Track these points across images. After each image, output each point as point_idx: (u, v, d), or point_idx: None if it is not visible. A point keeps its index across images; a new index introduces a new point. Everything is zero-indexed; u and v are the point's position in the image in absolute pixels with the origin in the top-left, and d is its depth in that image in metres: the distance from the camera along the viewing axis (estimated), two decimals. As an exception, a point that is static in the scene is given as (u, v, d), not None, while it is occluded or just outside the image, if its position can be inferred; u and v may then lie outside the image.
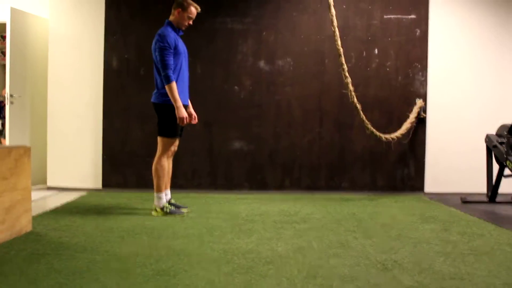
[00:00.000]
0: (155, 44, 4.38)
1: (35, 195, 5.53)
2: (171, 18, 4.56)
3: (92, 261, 2.93)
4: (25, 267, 2.79)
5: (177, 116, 4.33)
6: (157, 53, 4.34)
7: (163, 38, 4.34)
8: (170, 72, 4.30)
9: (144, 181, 6.02)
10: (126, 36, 6.04)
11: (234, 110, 6.10)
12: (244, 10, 6.08)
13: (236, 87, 6.09)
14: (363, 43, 6.12)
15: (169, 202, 4.62)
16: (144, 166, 6.02)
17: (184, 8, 4.51)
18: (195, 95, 5.96)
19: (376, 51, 6.11)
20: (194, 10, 4.56)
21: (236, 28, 6.08)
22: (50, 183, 6.10)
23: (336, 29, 5.17)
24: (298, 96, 6.11)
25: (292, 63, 6.10)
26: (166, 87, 4.30)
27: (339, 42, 5.21)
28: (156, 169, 4.50)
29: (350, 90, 5.35)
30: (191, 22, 4.60)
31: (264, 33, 6.09)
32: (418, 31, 6.14)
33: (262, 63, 6.09)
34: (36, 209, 4.60)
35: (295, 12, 6.10)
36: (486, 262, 3.06)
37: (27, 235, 3.60)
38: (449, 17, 6.20)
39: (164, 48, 4.31)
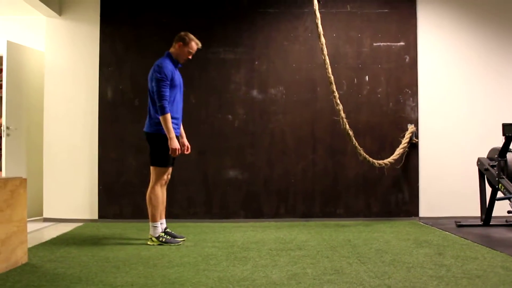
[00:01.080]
0: (152, 74, 4.46)
1: (31, 226, 5.53)
2: (172, 50, 4.64)
3: (87, 291, 2.94)
4: (20, 299, 2.80)
5: (170, 147, 4.38)
6: (153, 83, 4.42)
7: (160, 69, 4.42)
8: (166, 103, 4.37)
9: (139, 211, 6.04)
10: (120, 68, 6.13)
11: (228, 138, 6.16)
12: (236, 40, 6.19)
13: (229, 116, 6.16)
14: (354, 71, 6.22)
15: (165, 231, 4.64)
16: (140, 197, 6.04)
17: (186, 43, 4.61)
18: (189, 124, 6.03)
19: (367, 78, 6.21)
20: (195, 45, 4.67)
21: (228, 58, 6.18)
22: (46, 214, 6.11)
23: (327, 57, 5.26)
24: (291, 124, 6.18)
25: (284, 91, 6.18)
26: (161, 117, 4.37)
27: (329, 70, 5.31)
28: (150, 199, 4.53)
29: (342, 117, 5.42)
30: (190, 57, 4.70)
31: (256, 63, 6.19)
32: (408, 57, 6.25)
33: (255, 92, 6.18)
34: (32, 241, 4.60)
35: (286, 42, 6.21)
36: (479, 285, 3.09)
37: (23, 266, 3.61)
38: (438, 43, 6.32)
39: (161, 80, 4.39)
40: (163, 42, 6.11)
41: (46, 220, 6.09)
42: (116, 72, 6.13)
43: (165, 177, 4.61)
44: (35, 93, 6.40)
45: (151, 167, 4.54)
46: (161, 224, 4.62)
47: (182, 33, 4.63)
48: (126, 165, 6.11)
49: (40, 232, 5.33)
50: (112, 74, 6.13)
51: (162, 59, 4.56)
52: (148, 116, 4.56)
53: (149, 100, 4.55)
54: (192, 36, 4.64)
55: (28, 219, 5.22)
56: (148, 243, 4.55)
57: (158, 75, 4.40)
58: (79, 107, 6.15)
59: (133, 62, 6.13)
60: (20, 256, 3.68)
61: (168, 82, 4.44)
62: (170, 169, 4.66)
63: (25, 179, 3.82)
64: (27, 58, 6.35)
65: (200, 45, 4.71)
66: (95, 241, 4.69)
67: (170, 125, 4.38)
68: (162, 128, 4.40)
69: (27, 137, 6.34)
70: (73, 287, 3.04)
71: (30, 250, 4.09)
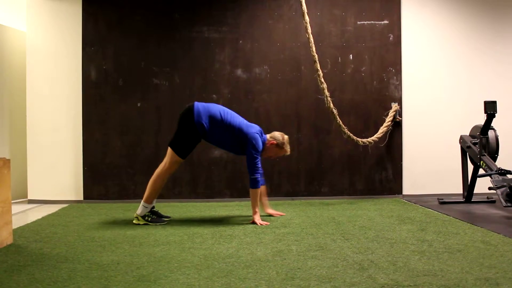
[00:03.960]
0: (250, 144, 4.51)
1: (16, 208, 5.52)
2: (268, 139, 4.72)
3: (73, 270, 2.95)
4: (6, 278, 2.80)
5: (256, 222, 4.51)
6: (249, 153, 4.51)
7: (255, 147, 4.52)
8: (259, 177, 4.54)
9: (125, 192, 6.05)
10: (104, 48, 6.08)
11: (213, 118, 6.15)
12: (220, 19, 6.16)
13: (214, 95, 6.15)
14: (338, 49, 6.23)
15: (151, 211, 4.64)
16: (125, 177, 6.06)
17: (280, 147, 4.74)
18: (174, 104, 6.03)
19: (351, 56, 6.23)
20: (283, 153, 4.81)
21: (212, 37, 6.15)
22: (31, 196, 6.09)
23: (311, 36, 5.27)
24: (276, 103, 6.20)
25: (268, 70, 6.18)
26: (252, 190, 4.54)
27: (313, 49, 5.31)
28: (156, 181, 4.57)
29: (326, 96, 5.44)
30: (271, 157, 4.83)
31: (240, 42, 6.17)
32: (391, 36, 6.27)
33: (239, 71, 6.17)
34: (17, 222, 4.60)
35: (271, 20, 6.19)
36: (459, 259, 3.15)
37: (8, 247, 3.61)
38: (421, 22, 6.35)
39: (256, 157, 4.52)
40: (146, 22, 6.11)
41: (31, 202, 6.07)
42: (99, 52, 6.08)
43: (176, 166, 4.64)
44: (17, 73, 6.33)
45: (170, 150, 4.55)
46: (145, 206, 4.61)
47: (284, 138, 4.74)
48: (111, 145, 6.09)
49: (25, 214, 5.32)
50: (95, 54, 6.08)
51: (257, 137, 4.58)
52: (198, 107, 4.52)
53: (227, 134, 4.57)
54: (288, 147, 4.77)
55: (13, 201, 5.21)
56: (134, 221, 4.57)
57: (254, 152, 4.51)
58: (62, 87, 6.10)
59: (117, 42, 6.08)
60: (5, 237, 3.68)
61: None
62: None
63: (9, 160, 3.80)
64: (9, 38, 6.27)
65: (288, 154, 4.86)
66: (81, 222, 4.69)
67: (258, 200, 4.59)
68: (202, 125, 4.46)
69: (10, 118, 6.28)
70: (59, 266, 3.06)
71: (15, 231, 4.09)
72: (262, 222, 4.49)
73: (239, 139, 4.54)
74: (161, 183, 4.59)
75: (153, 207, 4.69)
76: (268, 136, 4.74)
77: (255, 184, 4.52)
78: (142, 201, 4.57)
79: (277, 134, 4.75)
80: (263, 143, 4.66)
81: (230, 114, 4.59)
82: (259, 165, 4.54)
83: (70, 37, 6.09)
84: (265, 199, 4.93)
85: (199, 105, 4.54)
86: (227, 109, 4.67)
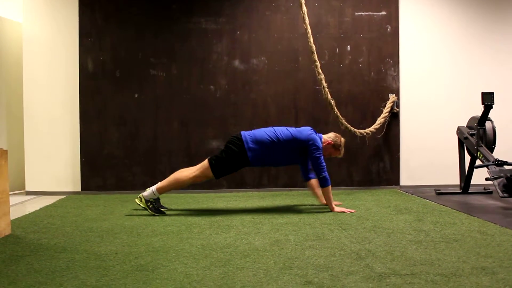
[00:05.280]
0: (312, 146, 4.56)
1: (14, 200, 5.52)
2: (325, 138, 4.78)
3: (71, 260, 2.96)
4: (4, 268, 2.81)
5: (338, 211, 4.60)
6: (314, 156, 4.56)
7: (317, 146, 4.58)
8: (327, 175, 4.60)
9: (123, 183, 6.06)
10: (100, 39, 6.06)
11: (210, 109, 6.15)
12: (218, 10, 6.14)
13: (211, 86, 6.15)
14: (335, 40, 6.22)
15: (156, 199, 4.61)
16: (123, 168, 6.06)
17: (336, 148, 4.83)
18: (171, 95, 6.04)
19: (348, 47, 6.22)
20: (336, 155, 4.92)
21: (210, 28, 6.14)
22: (28, 188, 6.09)
23: (308, 27, 5.25)
24: (273, 94, 6.19)
25: (266, 61, 6.17)
26: (324, 189, 4.62)
27: (311, 40, 5.30)
28: (178, 180, 4.57)
29: (324, 87, 5.44)
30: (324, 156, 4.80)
31: (238, 33, 6.16)
32: (389, 27, 6.26)
33: (236, 62, 6.16)
34: (15, 213, 4.60)
35: (268, 11, 6.18)
36: (456, 248, 3.17)
37: (6, 238, 3.61)
38: (420, 13, 6.34)
39: (320, 155, 4.58)
40: (143, 13, 6.09)
41: (29, 193, 6.07)
42: (96, 43, 6.06)
43: (204, 180, 4.68)
44: (14, 64, 6.31)
45: (208, 163, 4.55)
46: (154, 194, 4.59)
47: (341, 141, 4.84)
48: (108, 137, 6.08)
49: (23, 205, 5.32)
50: (92, 45, 6.06)
51: (315, 137, 4.63)
52: (251, 138, 4.57)
53: (282, 150, 4.62)
54: (343, 149, 4.88)
55: (11, 193, 5.22)
56: (136, 200, 4.58)
57: (317, 152, 4.57)
58: (59, 78, 6.09)
59: (114, 33, 6.06)
60: (3, 228, 3.68)
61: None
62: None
63: (6, 150, 3.79)
64: (5, 29, 6.24)
65: (341, 155, 4.97)
66: (79, 213, 4.70)
67: (331, 197, 4.65)
68: (253, 151, 4.53)
69: (7, 109, 6.27)
70: (57, 256, 3.06)
71: (13, 222, 4.08)
72: (348, 210, 4.60)
73: (298, 148, 4.62)
74: (181, 186, 4.63)
75: (159, 198, 4.67)
76: (324, 136, 4.79)
77: (325, 182, 4.58)
78: (154, 187, 4.54)
79: (333, 135, 4.83)
80: (320, 138, 4.71)
81: (277, 131, 4.63)
82: (324, 163, 4.59)
83: (67, 28, 6.07)
84: (319, 190, 4.91)
85: (245, 134, 4.62)
86: (270, 127, 4.73)
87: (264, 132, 4.61)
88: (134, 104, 6.09)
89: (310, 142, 4.56)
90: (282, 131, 4.63)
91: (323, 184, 4.59)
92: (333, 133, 4.88)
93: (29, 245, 3.37)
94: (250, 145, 4.53)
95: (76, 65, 6.05)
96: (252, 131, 4.68)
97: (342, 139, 4.85)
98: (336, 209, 4.62)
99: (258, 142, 4.55)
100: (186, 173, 4.59)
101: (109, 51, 6.07)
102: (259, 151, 4.54)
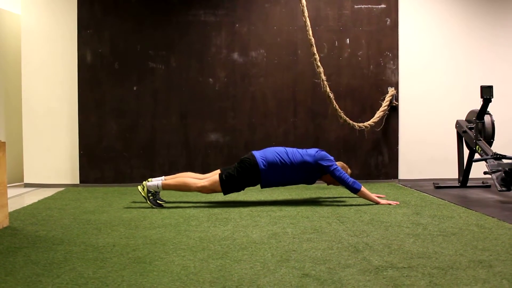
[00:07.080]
0: (324, 163, 4.58)
1: (12, 192, 5.52)
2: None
3: (69, 252, 2.96)
4: (2, 260, 2.81)
5: (383, 203, 4.63)
6: (332, 171, 4.57)
7: (331, 160, 4.63)
8: (352, 180, 4.60)
9: (121, 175, 6.06)
10: (99, 31, 6.04)
11: (209, 102, 6.15)
12: (217, 2, 6.12)
13: (210, 79, 6.14)
14: (334, 33, 6.20)
15: (156, 191, 4.63)
16: (121, 161, 6.06)
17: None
18: (170, 88, 6.03)
19: (347, 40, 6.21)
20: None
21: (209, 21, 6.12)
22: (27, 180, 6.08)
23: (307, 19, 5.24)
24: (272, 87, 6.18)
25: (265, 54, 6.16)
26: (359, 192, 4.59)
27: (310, 32, 5.29)
28: (186, 184, 4.58)
29: (323, 80, 5.43)
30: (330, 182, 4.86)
31: (237, 25, 6.14)
32: (389, 20, 6.25)
33: (235, 55, 6.15)
34: (13, 205, 4.60)
35: (267, 4, 6.16)
36: (453, 242, 3.17)
37: (4, 230, 3.61)
38: (419, 5, 6.32)
39: (337, 167, 4.61)
40: (142, 5, 6.06)
41: (27, 185, 6.07)
42: (95, 35, 6.04)
43: (210, 192, 4.65)
44: (12, 56, 6.30)
45: (218, 178, 4.54)
46: (158, 188, 4.60)
47: (347, 172, 4.81)
48: (107, 129, 6.08)
49: (21, 197, 5.31)
50: (91, 37, 6.04)
51: (322, 153, 4.66)
52: (263, 160, 4.56)
53: (292, 171, 4.61)
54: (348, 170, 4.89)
55: (9, 185, 5.22)
56: (139, 187, 4.59)
57: (333, 165, 4.59)
58: (58, 70, 6.07)
59: (112, 25, 6.05)
60: (1, 220, 3.68)
61: None
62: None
63: (4, 142, 3.79)
64: (3, 21, 6.22)
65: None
66: (77, 205, 4.70)
67: (370, 195, 4.64)
68: (265, 174, 4.54)
69: (5, 101, 6.26)
70: (55, 248, 3.06)
71: (11, 214, 4.09)
72: (394, 202, 4.63)
73: (309, 170, 4.62)
74: (186, 190, 4.64)
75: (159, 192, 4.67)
76: None
77: (356, 187, 4.57)
78: (160, 183, 4.55)
79: (341, 165, 4.83)
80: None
81: (290, 154, 4.62)
82: (343, 172, 4.60)
83: (65, 20, 6.05)
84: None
85: (258, 156, 4.60)
86: (281, 148, 4.71)
87: (276, 155, 4.60)
88: (133, 97, 6.08)
89: (320, 160, 4.59)
90: (294, 154, 4.63)
91: (354, 190, 4.58)
92: (341, 162, 4.89)
93: (27, 237, 3.37)
94: (262, 167, 4.53)
95: (75, 57, 6.04)
96: (263, 151, 4.67)
97: (349, 170, 4.88)
98: (382, 201, 4.63)
99: (270, 165, 4.56)
100: (195, 180, 4.61)
101: (108, 43, 6.05)
102: (271, 174, 4.57)
